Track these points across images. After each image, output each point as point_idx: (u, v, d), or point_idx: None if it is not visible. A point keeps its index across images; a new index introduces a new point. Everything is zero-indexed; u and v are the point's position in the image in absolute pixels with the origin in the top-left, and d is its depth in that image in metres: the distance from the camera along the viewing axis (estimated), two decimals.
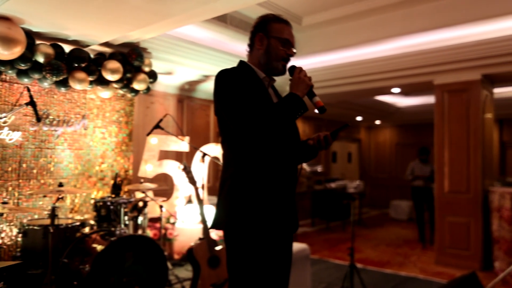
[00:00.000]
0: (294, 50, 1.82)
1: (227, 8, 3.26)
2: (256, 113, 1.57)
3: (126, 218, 3.59)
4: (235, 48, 5.13)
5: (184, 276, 4.19)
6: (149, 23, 3.48)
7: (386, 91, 6.47)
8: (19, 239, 3.56)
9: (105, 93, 4.36)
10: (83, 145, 4.28)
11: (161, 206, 3.96)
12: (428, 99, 8.50)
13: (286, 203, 1.70)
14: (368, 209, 10.60)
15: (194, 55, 4.89)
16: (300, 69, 1.74)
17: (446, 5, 4.63)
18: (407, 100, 9.25)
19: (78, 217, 4.13)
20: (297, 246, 3.93)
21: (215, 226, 1.72)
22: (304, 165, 8.43)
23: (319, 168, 8.98)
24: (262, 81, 1.79)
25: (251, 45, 1.85)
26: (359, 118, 10.04)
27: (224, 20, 4.91)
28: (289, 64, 1.83)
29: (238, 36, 5.00)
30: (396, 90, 6.14)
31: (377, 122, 10.93)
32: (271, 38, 1.77)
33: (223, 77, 1.69)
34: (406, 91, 7.07)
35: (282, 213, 1.68)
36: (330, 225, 8.26)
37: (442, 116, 5.23)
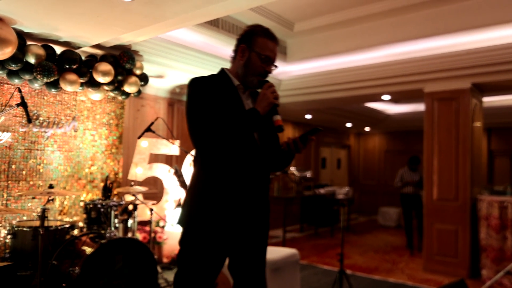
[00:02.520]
0: (274, 68, 1.83)
1: (219, 12, 3.28)
2: (209, 126, 1.63)
3: (116, 221, 3.56)
4: (227, 52, 5.15)
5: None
6: (141, 26, 3.49)
7: (376, 98, 6.55)
8: (7, 240, 3.51)
9: (96, 95, 4.34)
10: (73, 147, 4.24)
11: (151, 209, 3.94)
12: (418, 107, 8.62)
13: (247, 206, 1.74)
14: (357, 215, 10.66)
15: (186, 59, 4.90)
16: (269, 85, 1.75)
17: (437, 14, 4.73)
18: (396, 107, 9.37)
19: (67, 219, 4.08)
20: (286, 251, 3.94)
21: (177, 223, 1.80)
22: (294, 171, 8.46)
23: (308, 174, 9.00)
24: (237, 88, 1.81)
25: (234, 54, 1.87)
26: (348, 125, 10.12)
27: (216, 24, 4.94)
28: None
29: (230, 40, 5.04)
30: (386, 97, 6.23)
31: (367, 128, 11.04)
32: (252, 52, 1.78)
33: (191, 86, 1.74)
34: (396, 99, 7.18)
35: (240, 216, 1.72)
36: (318, 230, 8.29)
37: (431, 124, 5.31)
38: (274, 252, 3.81)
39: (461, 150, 5.06)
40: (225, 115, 1.67)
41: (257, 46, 1.78)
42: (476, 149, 5.31)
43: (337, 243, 7.16)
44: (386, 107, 9.22)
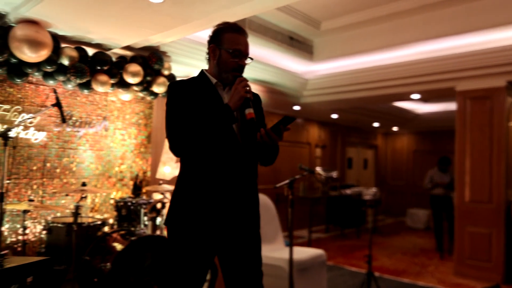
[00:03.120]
0: (247, 61, 1.84)
1: (246, 12, 3.30)
2: (181, 127, 1.67)
3: (145, 218, 3.64)
4: (253, 53, 5.15)
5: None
6: (170, 27, 3.54)
7: (405, 97, 6.41)
8: (43, 235, 3.65)
9: (125, 95, 4.44)
10: (103, 146, 4.36)
11: None
12: (449, 106, 8.38)
13: (228, 200, 1.74)
14: (384, 216, 10.46)
15: None
16: (241, 80, 1.75)
17: (469, 9, 4.57)
18: (426, 107, 9.14)
19: (98, 216, 4.20)
20: (313, 251, 3.91)
21: (164, 223, 1.84)
22: (320, 171, 8.40)
23: (334, 174, 8.92)
24: (215, 86, 1.84)
25: (208, 55, 1.89)
26: (376, 124, 9.95)
27: (243, 24, 4.95)
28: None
29: (257, 40, 5.04)
30: (415, 96, 6.08)
31: (395, 128, 10.82)
32: (222, 49, 1.80)
33: (168, 90, 1.80)
34: (426, 98, 6.99)
35: (221, 211, 1.72)
36: (344, 231, 8.19)
37: (464, 123, 5.14)
38: (301, 252, 3.80)
39: (495, 151, 4.88)
40: (199, 114, 1.70)
41: (226, 42, 1.80)
42: (511, 149, 5.11)
43: (364, 244, 7.05)
44: (415, 106, 9.01)
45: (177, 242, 1.74)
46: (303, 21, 5.20)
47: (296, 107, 7.24)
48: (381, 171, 11.38)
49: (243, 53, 1.81)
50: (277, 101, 6.65)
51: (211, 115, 1.68)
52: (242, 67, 1.81)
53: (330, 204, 8.37)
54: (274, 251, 3.91)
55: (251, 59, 1.86)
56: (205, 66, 1.95)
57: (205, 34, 5.25)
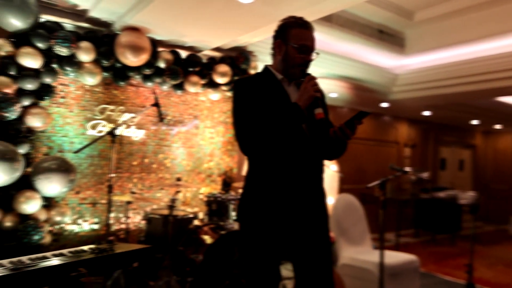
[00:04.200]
0: (313, 56, 1.81)
1: (335, 7, 3.23)
2: (250, 127, 1.69)
3: (233, 214, 3.76)
4: (340, 49, 5.03)
5: (284, 275, 4.22)
6: (258, 27, 3.60)
7: None
8: (141, 225, 3.98)
9: (214, 95, 4.63)
10: (194, 144, 4.60)
11: None
12: None
13: (296, 197, 1.73)
14: (482, 223, 9.50)
15: None
16: (310, 78, 1.73)
17: None
18: None
19: (189, 209, 4.44)
20: (405, 256, 3.70)
21: (235, 220, 1.84)
22: (409, 171, 7.91)
23: (425, 175, 8.34)
24: (281, 82, 1.83)
25: (273, 50, 1.89)
26: (474, 122, 9.07)
27: (329, 20, 4.84)
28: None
29: (343, 35, 4.89)
30: None
31: (497, 126, 9.75)
32: (288, 45, 1.79)
33: (234, 89, 1.83)
34: None
35: (289, 208, 1.72)
36: (436, 237, 7.62)
37: None
38: (392, 257, 3.61)
39: None
40: (267, 113, 1.69)
41: (292, 38, 1.78)
42: None
43: (458, 252, 6.49)
44: None
45: (248, 237, 1.78)
46: (395, 12, 4.93)
47: (384, 104, 6.91)
48: (479, 173, 10.36)
49: (310, 49, 1.80)
50: (364, 98, 6.41)
51: (281, 114, 1.68)
52: (308, 62, 1.81)
53: (420, 207, 7.86)
54: (362, 254, 3.77)
55: (317, 54, 1.84)
56: None
57: None
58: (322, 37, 4.95)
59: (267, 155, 1.74)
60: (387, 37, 5.36)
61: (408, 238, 7.58)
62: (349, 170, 6.73)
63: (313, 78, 1.74)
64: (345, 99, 6.57)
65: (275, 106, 1.73)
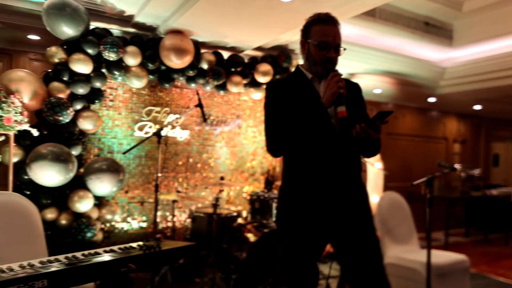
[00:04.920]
0: (341, 50, 1.79)
1: (378, 1, 3.15)
2: (276, 131, 1.74)
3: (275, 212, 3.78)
4: (384, 43, 4.88)
5: (328, 274, 4.19)
6: (299, 25, 3.54)
7: None
8: (187, 223, 4.09)
9: (256, 94, 4.66)
10: (237, 143, 4.66)
11: None
12: None
13: (331, 193, 1.74)
14: None
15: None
16: (334, 74, 1.71)
17: None
18: None
19: (233, 208, 4.51)
20: (453, 256, 3.56)
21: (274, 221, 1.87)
22: (459, 168, 7.56)
23: (476, 172, 7.93)
24: (311, 81, 1.83)
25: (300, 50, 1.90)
26: None
27: (372, 15, 4.71)
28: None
29: (388, 30, 4.75)
30: None
31: None
32: (309, 43, 1.79)
33: (266, 91, 1.86)
34: None
35: (324, 205, 1.73)
36: (488, 237, 7.24)
37: None
38: (440, 256, 3.49)
39: None
40: (297, 113, 1.71)
41: (312, 35, 1.78)
42: None
43: None
44: None
45: (288, 238, 1.80)
46: (442, 3, 4.71)
47: (432, 99, 6.64)
48: None
49: (331, 45, 1.76)
50: (410, 93, 6.19)
51: (306, 114, 1.70)
52: (330, 59, 1.77)
53: (471, 206, 7.49)
54: (409, 253, 3.66)
55: (344, 49, 1.80)
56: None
57: None
58: (365, 32, 4.83)
59: (297, 155, 1.76)
60: (434, 30, 5.14)
61: (458, 238, 7.27)
62: (394, 168, 6.54)
63: (337, 75, 1.72)
64: (390, 94, 6.38)
65: (305, 105, 1.74)
